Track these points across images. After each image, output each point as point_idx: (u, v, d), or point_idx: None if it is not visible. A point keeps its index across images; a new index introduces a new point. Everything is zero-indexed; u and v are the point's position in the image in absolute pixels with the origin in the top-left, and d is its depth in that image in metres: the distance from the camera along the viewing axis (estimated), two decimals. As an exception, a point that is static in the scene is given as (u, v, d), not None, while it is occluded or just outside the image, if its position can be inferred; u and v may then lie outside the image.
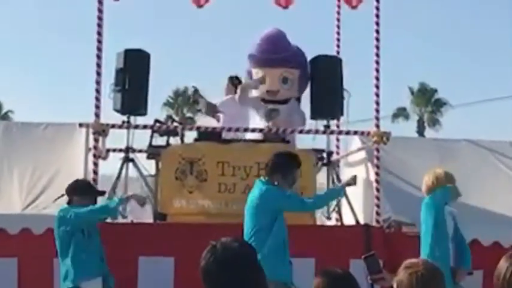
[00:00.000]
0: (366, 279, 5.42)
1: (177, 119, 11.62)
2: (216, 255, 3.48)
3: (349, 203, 10.56)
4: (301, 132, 10.99)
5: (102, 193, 8.72)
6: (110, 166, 10.93)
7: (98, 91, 9.96)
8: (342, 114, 11.22)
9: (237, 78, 11.76)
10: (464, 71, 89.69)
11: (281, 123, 10.77)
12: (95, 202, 8.26)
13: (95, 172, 9.82)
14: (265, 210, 7.69)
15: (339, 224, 10.98)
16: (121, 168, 10.58)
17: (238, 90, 11.19)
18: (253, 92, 11.35)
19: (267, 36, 11.08)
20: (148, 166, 10.79)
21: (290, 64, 11.13)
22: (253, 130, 10.84)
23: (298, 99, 11.50)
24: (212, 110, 11.40)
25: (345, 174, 11.68)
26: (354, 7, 11.18)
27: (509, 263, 3.94)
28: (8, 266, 9.01)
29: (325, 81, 10.97)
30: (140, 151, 10.96)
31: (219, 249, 3.50)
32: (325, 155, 10.99)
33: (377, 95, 10.38)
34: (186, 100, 58.30)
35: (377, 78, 10.38)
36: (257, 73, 11.31)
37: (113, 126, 10.31)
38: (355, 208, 10.51)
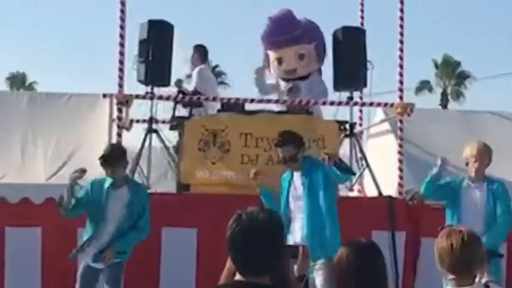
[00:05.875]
0: None
1: (188, 85, 11.33)
2: (242, 225, 3.48)
3: (372, 174, 10.54)
4: (324, 103, 10.96)
5: None
6: (133, 137, 10.97)
7: (121, 62, 9.98)
8: (365, 85, 11.17)
9: (202, 46, 11.66)
10: (487, 43, 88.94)
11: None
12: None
13: (119, 143, 9.85)
14: None
15: (362, 195, 10.97)
16: (144, 139, 10.60)
17: (254, 74, 11.23)
18: (270, 78, 11.34)
19: (274, 19, 10.99)
20: (172, 137, 10.82)
21: (303, 40, 11.09)
22: (277, 101, 10.83)
23: (319, 70, 11.46)
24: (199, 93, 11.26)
25: (369, 145, 11.66)
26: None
27: (451, 239, 4.29)
28: (32, 234, 9.10)
29: (348, 53, 10.92)
30: (164, 122, 10.98)
31: (245, 218, 3.50)
32: (348, 126, 10.96)
33: (401, 66, 10.34)
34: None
35: (401, 50, 10.34)
36: (273, 55, 11.29)
37: (137, 96, 10.34)
38: (378, 180, 10.49)
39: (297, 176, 7.90)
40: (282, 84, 11.32)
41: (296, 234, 7.65)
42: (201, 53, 11.67)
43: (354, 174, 8.70)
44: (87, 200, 7.98)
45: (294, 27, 11.01)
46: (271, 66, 11.39)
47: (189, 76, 11.44)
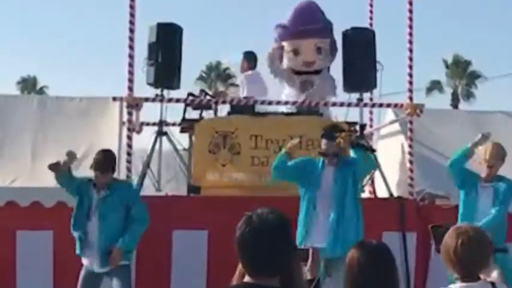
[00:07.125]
0: (432, 248, 5.48)
1: (210, 93, 11.53)
2: (252, 226, 3.47)
3: (382, 175, 10.52)
4: (334, 104, 10.95)
5: None
6: (143, 140, 10.98)
7: (130, 65, 9.97)
8: (375, 86, 11.17)
9: (252, 53, 11.72)
10: (498, 42, 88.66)
11: (315, 95, 10.75)
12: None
13: (129, 146, 9.86)
14: None
15: (373, 196, 10.96)
16: (155, 142, 10.62)
17: (268, 60, 11.25)
18: (285, 63, 11.30)
19: (302, 7, 11.01)
20: (182, 139, 10.84)
21: (322, 34, 11.08)
22: (287, 103, 10.82)
23: (328, 68, 11.46)
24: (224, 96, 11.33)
25: (379, 146, 11.64)
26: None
27: (456, 238, 4.34)
28: (43, 238, 9.11)
29: (358, 54, 10.92)
30: (174, 124, 11.00)
31: (255, 220, 3.49)
32: (358, 127, 10.94)
33: (410, 67, 10.31)
34: (219, 74, 58.46)
35: (410, 50, 10.31)
36: (289, 46, 11.25)
37: (147, 99, 10.34)
38: (388, 181, 10.47)
39: (330, 170, 8.14)
40: (294, 77, 11.27)
41: (319, 234, 7.73)
42: (249, 59, 11.65)
43: (374, 150, 8.93)
44: (77, 186, 8.16)
45: (317, 19, 11.01)
46: (284, 57, 11.29)
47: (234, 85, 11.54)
